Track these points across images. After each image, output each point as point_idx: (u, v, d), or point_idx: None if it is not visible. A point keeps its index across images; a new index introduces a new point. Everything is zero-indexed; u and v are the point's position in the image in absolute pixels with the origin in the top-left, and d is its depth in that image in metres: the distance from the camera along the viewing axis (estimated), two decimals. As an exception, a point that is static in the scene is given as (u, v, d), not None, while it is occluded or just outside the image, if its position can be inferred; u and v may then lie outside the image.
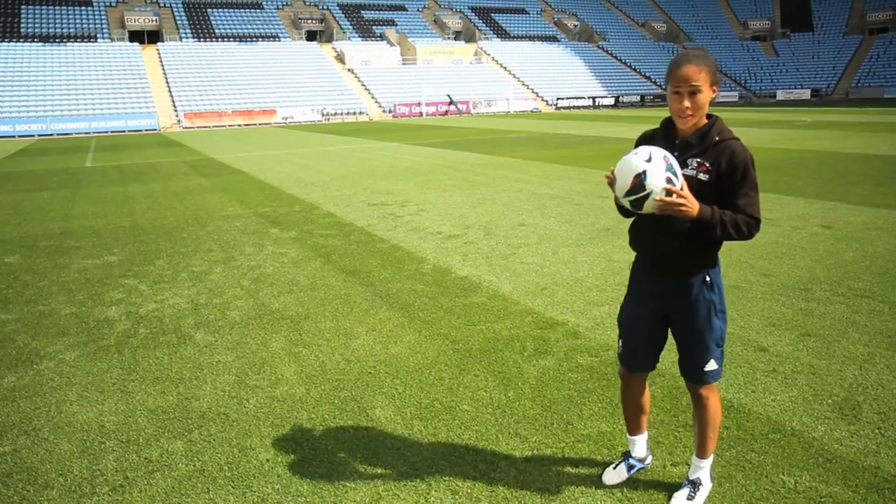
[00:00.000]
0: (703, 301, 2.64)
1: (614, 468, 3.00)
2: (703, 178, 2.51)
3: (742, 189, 2.50)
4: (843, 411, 3.50)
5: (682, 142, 2.57)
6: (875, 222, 8.08)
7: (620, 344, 2.90)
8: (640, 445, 3.03)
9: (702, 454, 2.82)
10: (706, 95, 2.49)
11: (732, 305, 5.22)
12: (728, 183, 2.50)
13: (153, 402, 3.93)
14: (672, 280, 2.66)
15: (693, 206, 2.42)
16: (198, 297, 6.03)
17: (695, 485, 2.82)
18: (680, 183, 2.41)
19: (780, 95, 63.05)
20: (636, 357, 2.85)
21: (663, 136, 2.65)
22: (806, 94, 62.60)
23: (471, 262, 6.88)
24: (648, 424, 3.40)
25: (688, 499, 2.80)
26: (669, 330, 2.80)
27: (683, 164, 2.53)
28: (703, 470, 2.83)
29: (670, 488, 2.90)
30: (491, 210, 9.81)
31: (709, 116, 2.59)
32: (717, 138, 2.52)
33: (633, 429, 3.01)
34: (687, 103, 2.49)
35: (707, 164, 2.51)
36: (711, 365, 2.68)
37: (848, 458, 3.06)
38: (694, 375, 2.72)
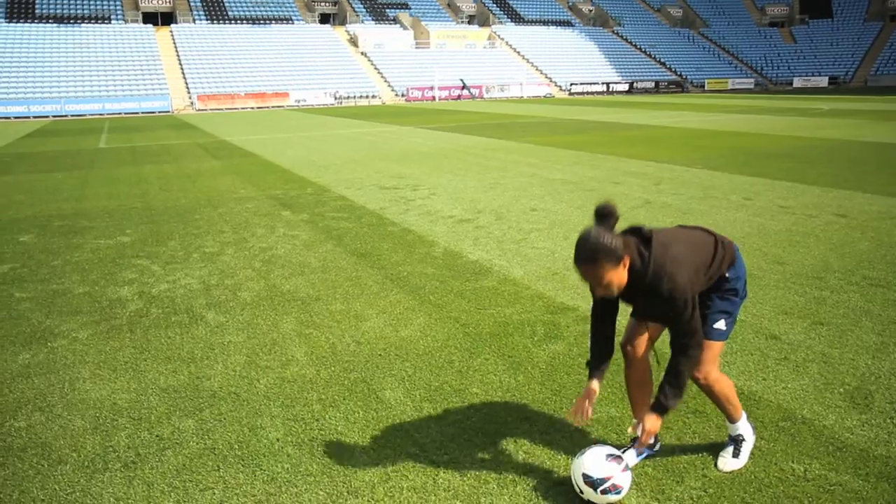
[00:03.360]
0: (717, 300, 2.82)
1: (623, 453, 3.00)
2: (656, 304, 2.62)
3: (672, 316, 2.59)
4: (855, 400, 3.48)
5: (624, 293, 2.65)
6: (891, 211, 7.98)
7: None
8: None
9: (732, 420, 2.95)
10: (615, 277, 2.52)
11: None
12: (661, 304, 2.59)
13: (165, 381, 3.96)
14: None
15: (655, 427, 2.67)
16: (209, 277, 6.06)
17: (737, 441, 2.95)
18: (610, 482, 2.64)
19: (797, 83, 62.30)
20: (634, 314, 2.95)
21: None
22: (823, 81, 61.84)
23: (482, 247, 6.87)
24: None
25: (733, 455, 2.92)
26: None
27: (635, 303, 2.78)
28: (740, 429, 2.95)
29: (679, 474, 2.90)
30: (503, 195, 9.78)
31: (641, 253, 2.56)
32: (649, 274, 2.55)
33: (636, 410, 3.04)
34: (601, 291, 2.59)
35: (653, 299, 2.60)
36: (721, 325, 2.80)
37: (859, 447, 3.05)
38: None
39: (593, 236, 2.48)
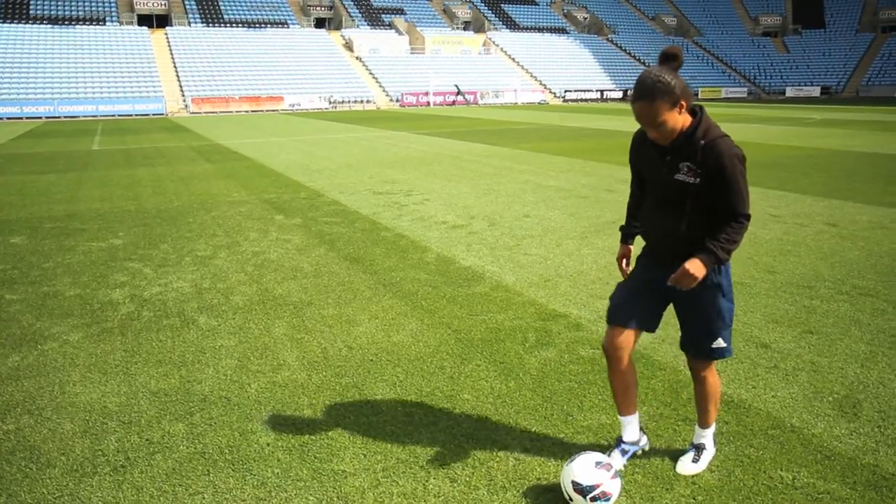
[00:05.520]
0: (711, 285, 2.72)
1: (608, 455, 2.99)
2: (692, 181, 2.57)
3: (730, 187, 2.53)
4: (844, 409, 3.50)
5: (672, 147, 2.61)
6: (881, 221, 8.04)
7: (609, 302, 2.96)
8: (632, 427, 3.02)
9: (704, 424, 2.98)
10: (670, 119, 2.50)
11: (736, 301, 5.19)
12: (717, 181, 2.54)
13: (155, 385, 3.95)
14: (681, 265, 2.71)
15: (698, 272, 2.56)
16: (201, 281, 6.05)
17: (699, 449, 2.98)
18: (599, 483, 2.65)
19: (790, 92, 62.73)
20: (619, 309, 2.87)
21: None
22: (816, 91, 62.30)
23: (475, 253, 6.88)
24: (648, 418, 3.42)
25: (693, 461, 2.96)
26: (671, 307, 2.90)
27: (676, 169, 2.60)
28: (706, 438, 2.99)
29: (669, 481, 2.91)
30: (496, 201, 9.80)
31: (694, 112, 2.59)
32: (702, 141, 2.53)
33: (624, 408, 2.99)
34: (654, 134, 2.56)
35: (696, 168, 2.55)
36: (719, 343, 2.78)
37: (847, 456, 3.07)
38: (700, 353, 2.83)
39: (654, 73, 2.46)
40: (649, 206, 2.79)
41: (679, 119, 2.52)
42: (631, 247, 3.05)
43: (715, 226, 2.61)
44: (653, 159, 2.69)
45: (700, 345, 2.81)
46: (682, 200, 2.62)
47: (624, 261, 3.03)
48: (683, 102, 2.49)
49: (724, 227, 2.58)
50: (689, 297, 2.75)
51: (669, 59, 2.52)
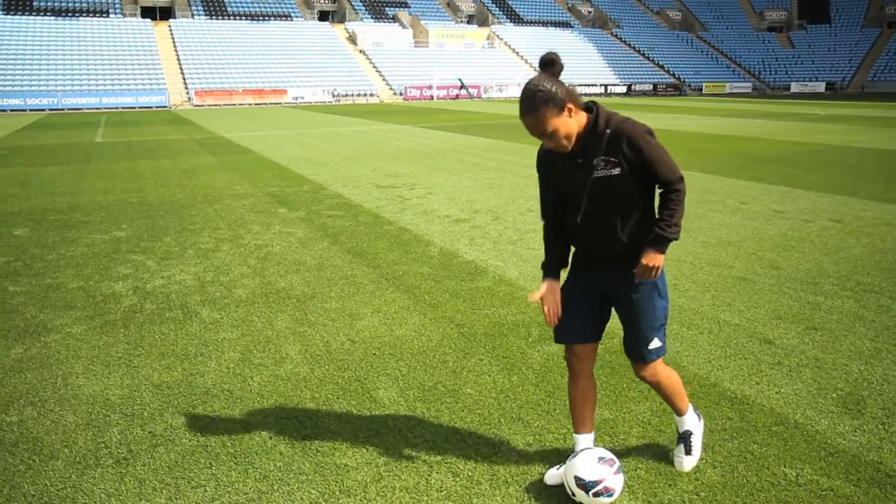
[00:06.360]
0: (646, 285, 2.68)
1: (558, 469, 2.89)
2: (616, 173, 2.52)
3: (654, 162, 2.51)
4: (848, 406, 3.49)
5: (579, 148, 2.55)
6: (885, 217, 8.01)
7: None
8: (584, 446, 2.89)
9: (680, 413, 2.98)
10: (562, 126, 2.45)
11: (739, 297, 5.20)
12: (640, 163, 2.51)
13: (158, 377, 3.95)
14: (615, 270, 2.69)
15: (657, 262, 2.55)
16: (204, 274, 6.05)
17: (686, 437, 2.98)
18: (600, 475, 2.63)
19: (795, 88, 62.50)
20: (566, 328, 2.79)
21: None
22: (821, 87, 62.07)
23: (478, 247, 6.87)
24: (651, 413, 3.41)
25: (687, 454, 2.96)
26: (613, 310, 2.84)
27: (593, 167, 2.54)
28: (688, 422, 2.98)
29: (672, 477, 2.90)
30: (499, 195, 9.78)
31: (588, 108, 2.56)
32: (608, 131, 2.50)
33: (581, 424, 2.89)
34: (550, 144, 2.52)
35: (613, 159, 2.51)
36: (655, 343, 2.75)
37: (851, 453, 3.06)
38: (637, 355, 2.78)
39: (532, 84, 2.43)
40: (579, 219, 2.66)
41: (571, 122, 2.47)
42: (557, 281, 2.78)
43: (646, 218, 2.61)
44: (567, 169, 2.60)
45: (639, 348, 2.75)
46: (610, 197, 2.56)
47: (551, 297, 2.74)
48: (571, 106, 2.44)
49: (665, 202, 2.55)
50: (627, 299, 2.70)
51: (547, 65, 2.48)
